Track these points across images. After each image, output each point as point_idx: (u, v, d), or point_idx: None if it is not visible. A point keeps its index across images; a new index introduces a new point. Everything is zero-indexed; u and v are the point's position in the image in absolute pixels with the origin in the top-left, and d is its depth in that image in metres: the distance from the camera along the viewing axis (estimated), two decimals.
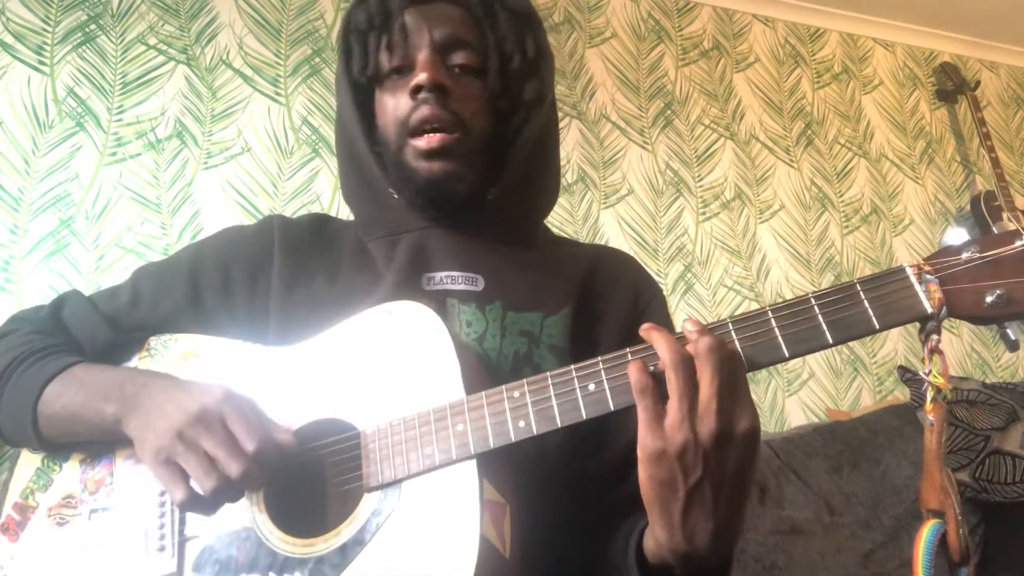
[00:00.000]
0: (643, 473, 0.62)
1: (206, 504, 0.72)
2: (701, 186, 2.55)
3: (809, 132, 2.78)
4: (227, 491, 0.70)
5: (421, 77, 0.82)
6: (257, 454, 0.70)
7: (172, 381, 0.78)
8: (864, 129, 2.87)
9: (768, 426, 2.33)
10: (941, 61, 3.04)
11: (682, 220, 2.49)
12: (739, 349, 0.63)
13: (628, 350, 0.66)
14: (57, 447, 0.84)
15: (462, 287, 0.85)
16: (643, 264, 1.01)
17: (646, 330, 0.64)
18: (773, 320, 0.63)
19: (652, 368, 0.63)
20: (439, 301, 0.82)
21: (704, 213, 2.53)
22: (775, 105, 2.77)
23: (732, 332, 0.64)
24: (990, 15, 2.95)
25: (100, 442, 0.82)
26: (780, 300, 0.64)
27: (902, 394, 2.41)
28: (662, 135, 2.56)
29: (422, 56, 0.84)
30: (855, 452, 2.08)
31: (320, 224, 0.96)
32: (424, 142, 0.83)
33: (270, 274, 0.89)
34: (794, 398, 2.40)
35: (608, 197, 2.42)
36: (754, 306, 2.44)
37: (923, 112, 3.00)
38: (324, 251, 0.92)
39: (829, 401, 2.43)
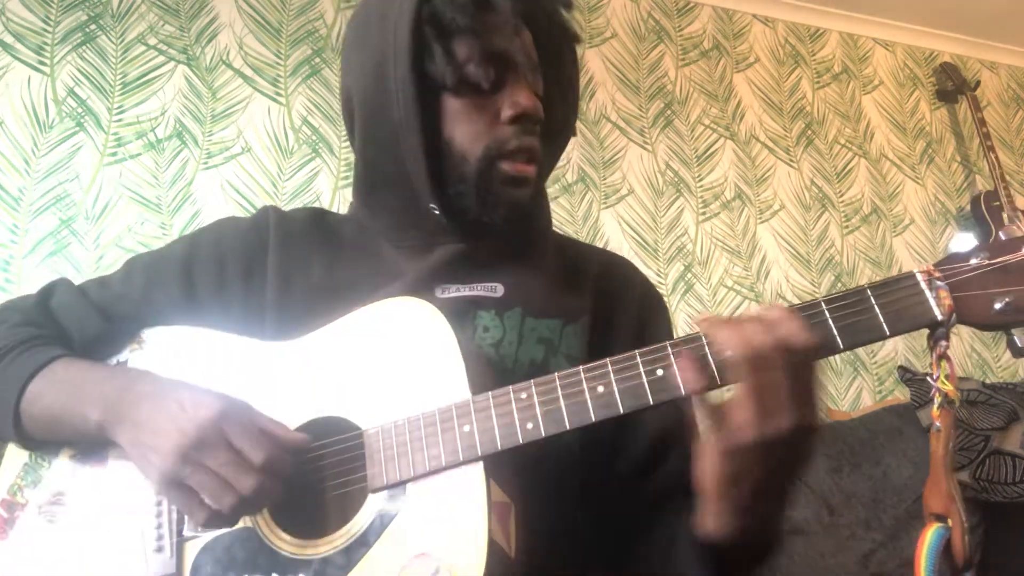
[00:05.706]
0: (710, 466, 0.61)
1: (226, 521, 0.71)
2: (701, 186, 2.55)
3: (809, 132, 2.77)
4: (244, 507, 0.69)
5: (529, 107, 0.81)
6: (266, 466, 0.68)
7: (157, 387, 0.75)
8: (864, 129, 2.87)
9: None
10: (941, 61, 3.03)
11: (682, 220, 2.49)
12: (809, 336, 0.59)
13: (636, 352, 0.66)
14: (41, 445, 0.82)
15: (480, 294, 0.84)
16: (643, 265, 1.01)
17: (704, 321, 0.63)
18: None
19: (713, 360, 0.62)
20: (455, 307, 0.81)
21: (704, 213, 2.52)
22: (775, 105, 2.76)
23: None
24: (990, 15, 2.95)
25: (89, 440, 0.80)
26: (784, 302, 0.64)
27: (902, 394, 2.41)
28: (662, 135, 2.56)
29: (524, 82, 0.83)
30: (855, 452, 2.08)
31: (317, 217, 0.95)
32: (517, 170, 0.82)
33: (265, 267, 0.88)
34: None
35: (608, 197, 2.42)
36: (754, 306, 2.43)
37: (923, 112, 3.00)
38: (322, 243, 0.91)
39: (829, 401, 2.43)
